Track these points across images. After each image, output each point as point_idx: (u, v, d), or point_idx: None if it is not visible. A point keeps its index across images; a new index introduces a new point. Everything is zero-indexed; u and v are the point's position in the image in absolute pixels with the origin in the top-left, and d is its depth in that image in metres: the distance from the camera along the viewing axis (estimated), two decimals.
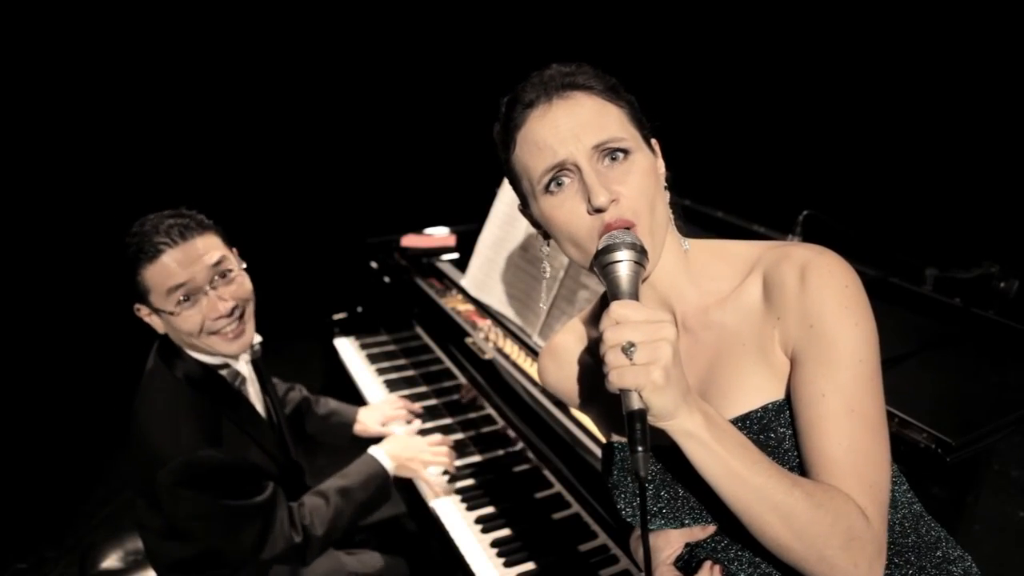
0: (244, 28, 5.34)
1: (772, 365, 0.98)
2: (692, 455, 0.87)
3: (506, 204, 2.25)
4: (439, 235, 2.69)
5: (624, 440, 1.10)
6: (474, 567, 1.65)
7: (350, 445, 2.21)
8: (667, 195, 1.01)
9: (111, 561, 1.93)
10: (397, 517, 2.16)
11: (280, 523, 1.63)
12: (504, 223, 2.23)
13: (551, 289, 1.97)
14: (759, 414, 0.97)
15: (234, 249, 1.69)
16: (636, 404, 0.81)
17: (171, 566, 1.69)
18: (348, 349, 2.57)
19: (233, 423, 1.61)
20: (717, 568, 1.02)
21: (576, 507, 1.64)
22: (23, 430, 3.57)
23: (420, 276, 2.50)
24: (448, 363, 2.17)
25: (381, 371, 2.44)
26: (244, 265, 1.70)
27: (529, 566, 1.65)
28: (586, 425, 1.68)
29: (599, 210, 0.92)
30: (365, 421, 2.17)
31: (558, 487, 1.69)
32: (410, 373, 2.41)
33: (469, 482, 1.93)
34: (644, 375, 0.79)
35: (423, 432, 2.14)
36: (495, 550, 1.69)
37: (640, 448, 0.79)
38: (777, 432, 0.97)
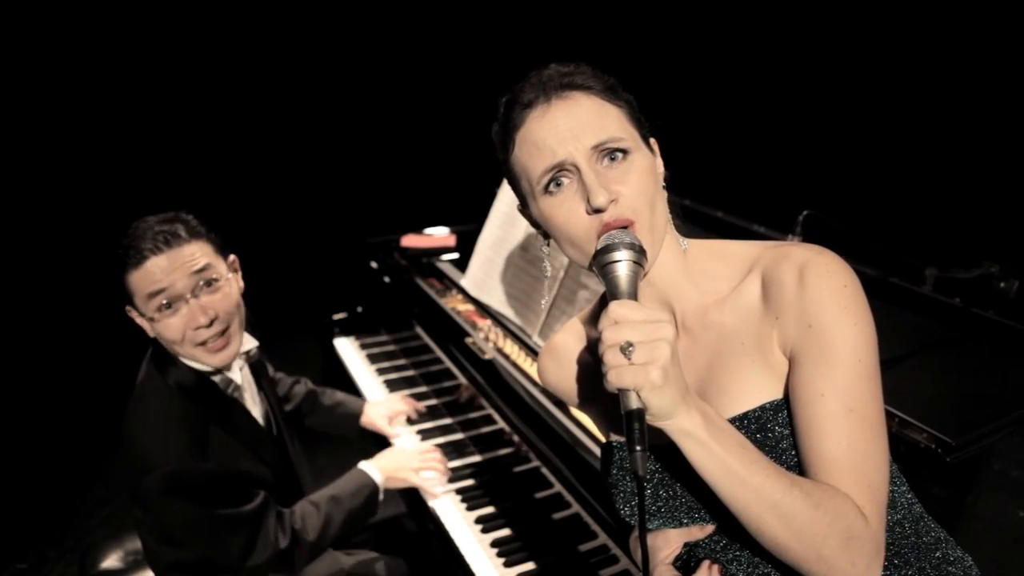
0: (245, 28, 5.35)
1: (771, 365, 0.98)
2: (690, 454, 0.87)
3: (506, 204, 2.25)
4: (439, 235, 2.69)
5: (623, 439, 1.10)
6: (474, 567, 1.65)
7: (357, 437, 2.22)
8: (665, 194, 1.01)
9: (111, 561, 1.94)
10: (397, 517, 2.16)
11: (268, 531, 1.62)
12: (504, 223, 2.23)
13: (551, 289, 1.97)
14: (757, 414, 0.97)
15: (232, 256, 1.68)
16: (634, 403, 0.81)
17: (168, 567, 1.69)
18: (348, 349, 2.57)
19: (225, 432, 1.60)
20: (716, 568, 1.02)
21: (576, 507, 1.64)
22: (23, 430, 3.57)
23: (420, 276, 2.50)
24: (448, 363, 2.17)
25: (381, 371, 2.45)
26: (239, 274, 1.68)
27: (529, 566, 1.65)
28: (586, 425, 1.68)
29: (598, 210, 0.92)
30: (372, 414, 2.17)
31: (558, 487, 1.69)
32: (410, 373, 2.41)
33: (469, 482, 1.93)
34: (642, 375, 0.80)
35: (423, 432, 2.15)
36: (495, 550, 1.69)
37: (638, 447, 0.79)
38: (775, 432, 0.97)
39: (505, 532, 1.75)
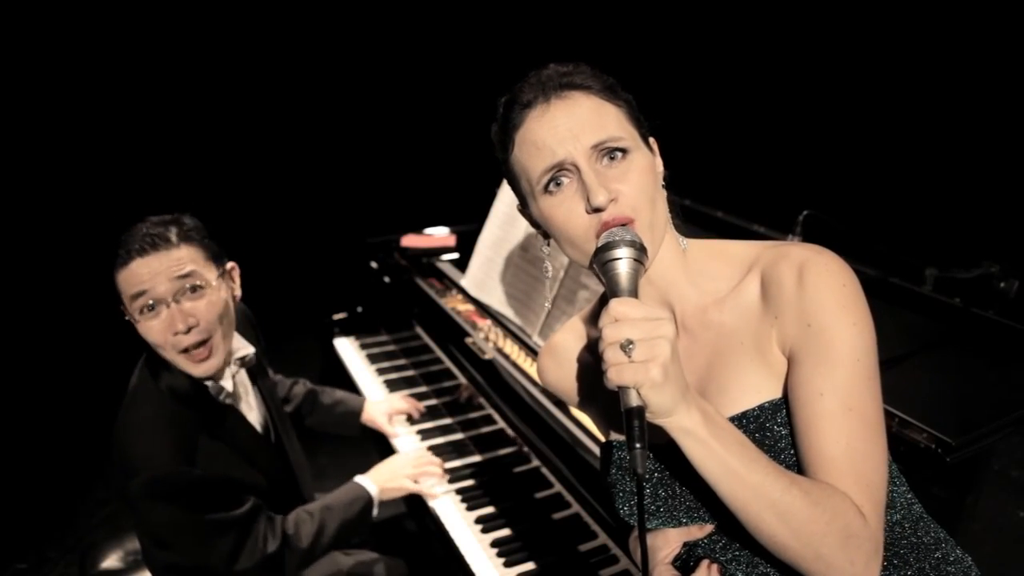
0: (246, 29, 5.35)
1: (770, 364, 0.99)
2: (690, 452, 0.87)
3: (506, 204, 2.25)
4: (439, 235, 2.69)
5: (623, 438, 1.10)
6: (474, 567, 1.65)
7: (357, 434, 2.22)
8: (665, 194, 1.01)
9: (111, 561, 1.94)
10: (397, 517, 2.17)
11: (257, 536, 1.61)
12: (504, 223, 2.23)
13: (551, 289, 1.97)
14: (756, 413, 0.97)
15: (231, 264, 1.66)
16: (634, 401, 0.81)
17: (163, 569, 1.68)
18: (348, 349, 2.57)
19: (217, 438, 1.59)
20: (715, 567, 1.02)
21: (576, 507, 1.64)
22: (23, 430, 3.57)
23: (420, 276, 2.50)
24: (448, 363, 2.17)
25: (381, 371, 2.45)
26: (237, 283, 1.67)
27: (529, 566, 1.65)
28: (586, 425, 1.68)
29: (598, 209, 0.92)
30: (372, 412, 2.18)
31: (558, 487, 1.69)
32: (410, 373, 2.41)
33: (469, 482, 1.93)
34: (643, 372, 0.80)
35: (423, 432, 2.15)
36: (495, 550, 1.69)
37: (638, 445, 0.80)
38: (774, 431, 0.97)
39: (505, 532, 1.75)
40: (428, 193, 4.84)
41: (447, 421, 2.17)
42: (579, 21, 5.27)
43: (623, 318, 0.82)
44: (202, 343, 1.55)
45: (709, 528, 1.03)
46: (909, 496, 1.07)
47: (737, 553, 1.01)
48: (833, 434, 0.91)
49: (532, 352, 1.97)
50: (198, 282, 1.54)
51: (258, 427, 1.76)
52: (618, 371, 0.81)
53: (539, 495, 1.74)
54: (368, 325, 2.64)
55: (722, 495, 0.88)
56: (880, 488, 0.92)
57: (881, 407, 0.95)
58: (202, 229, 1.61)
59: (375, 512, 1.87)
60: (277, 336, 2.11)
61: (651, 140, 1.04)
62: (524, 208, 1.07)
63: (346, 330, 2.62)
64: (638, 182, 0.94)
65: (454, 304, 2.31)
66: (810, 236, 1.89)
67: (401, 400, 2.22)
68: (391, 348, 2.55)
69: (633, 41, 5.07)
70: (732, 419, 0.98)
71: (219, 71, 5.37)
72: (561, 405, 1.75)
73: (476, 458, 2.01)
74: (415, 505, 1.93)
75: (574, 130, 0.94)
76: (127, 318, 1.56)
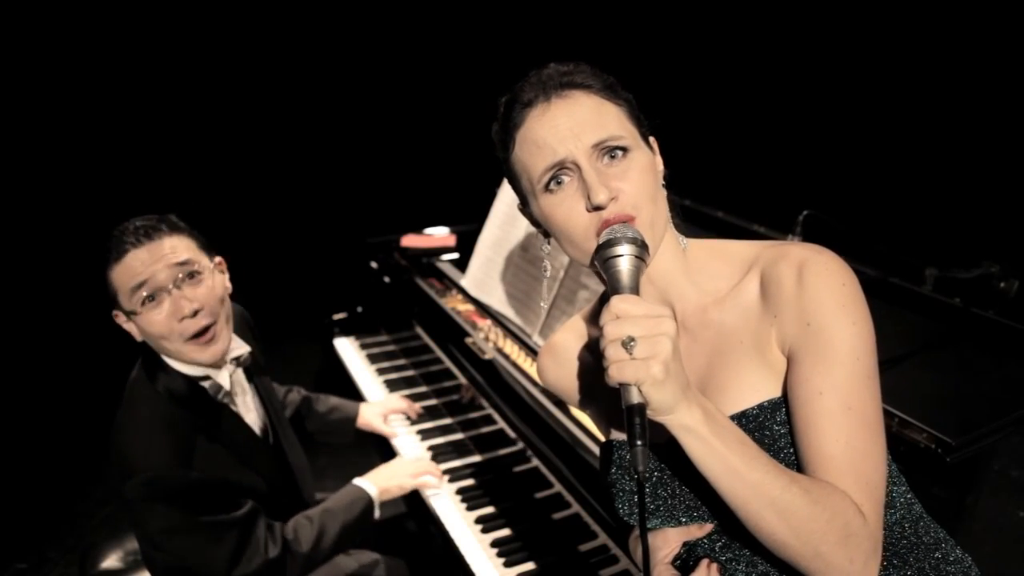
0: (246, 29, 5.35)
1: (769, 363, 0.99)
2: (690, 450, 0.87)
3: (506, 204, 2.25)
4: (439, 235, 2.69)
5: (622, 438, 1.10)
6: (474, 567, 1.65)
7: (354, 441, 2.22)
8: (665, 192, 1.01)
9: (111, 561, 1.94)
10: (397, 517, 2.16)
11: (257, 540, 1.60)
12: (504, 223, 2.24)
13: (551, 289, 1.97)
14: (755, 412, 0.98)
15: (219, 258, 1.66)
16: (635, 398, 0.81)
17: (162, 572, 1.68)
18: (348, 349, 2.57)
19: (214, 440, 1.59)
20: (715, 567, 1.02)
21: (576, 507, 1.64)
22: (23, 430, 3.57)
23: (420, 276, 2.50)
24: (448, 363, 2.17)
25: (381, 371, 2.45)
26: (226, 275, 1.67)
27: (529, 566, 1.65)
28: (586, 425, 1.68)
29: (598, 208, 0.92)
30: (367, 415, 2.17)
31: (558, 487, 1.69)
32: (410, 373, 2.42)
33: (469, 482, 1.93)
34: (644, 369, 0.80)
35: (423, 432, 2.15)
36: (495, 550, 1.69)
37: (639, 442, 0.80)
38: (773, 430, 0.97)
39: (505, 532, 1.75)
40: (428, 193, 4.84)
41: (447, 421, 2.17)
42: (579, 21, 5.28)
43: (624, 315, 0.82)
44: (207, 328, 1.55)
45: (709, 527, 1.03)
46: (909, 496, 1.08)
47: (737, 552, 1.01)
48: (832, 433, 0.91)
49: (532, 352, 1.97)
50: (195, 268, 1.55)
51: (256, 428, 1.75)
52: (619, 368, 0.81)
53: (539, 495, 1.74)
54: (368, 325, 2.64)
55: (722, 493, 0.88)
56: (879, 487, 0.92)
57: (880, 406, 0.95)
58: (188, 224, 1.62)
59: (376, 514, 1.87)
60: (277, 336, 2.12)
61: (651, 139, 1.04)
62: (525, 207, 1.07)
63: (346, 330, 2.62)
64: (639, 180, 0.95)
65: (454, 304, 2.31)
66: (810, 236, 1.89)
67: (396, 401, 2.22)
68: (391, 348, 2.56)
69: (633, 41, 5.07)
70: (732, 418, 0.98)
71: (219, 71, 5.37)
72: (561, 405, 1.75)
73: (476, 458, 2.01)
74: (415, 505, 1.93)
75: (575, 129, 0.94)
76: (127, 322, 1.56)
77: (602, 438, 1.19)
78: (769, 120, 4.49)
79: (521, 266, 2.14)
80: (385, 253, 2.67)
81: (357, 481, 1.89)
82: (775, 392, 0.98)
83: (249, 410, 1.76)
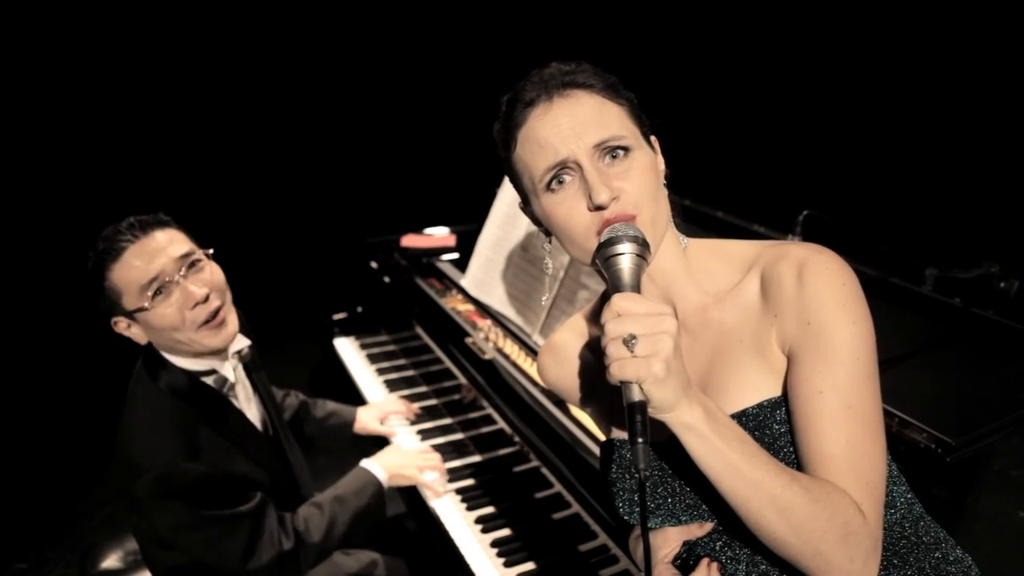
0: (246, 28, 5.35)
1: (769, 363, 0.99)
2: (691, 448, 0.87)
3: (506, 204, 2.25)
4: (439, 235, 2.69)
5: (623, 437, 1.10)
6: (474, 567, 1.65)
7: (351, 446, 2.21)
8: (666, 192, 1.02)
9: (111, 561, 1.93)
10: (397, 517, 2.16)
11: (271, 532, 1.60)
12: (504, 223, 2.24)
13: (551, 288, 1.97)
14: (755, 411, 0.98)
15: (209, 251, 1.67)
16: (637, 396, 0.81)
17: (166, 572, 1.68)
18: (348, 349, 2.57)
19: (218, 433, 1.59)
20: (715, 566, 1.02)
21: (576, 507, 1.64)
22: (23, 430, 3.57)
23: (420, 276, 2.50)
24: (448, 363, 2.17)
25: (381, 371, 2.45)
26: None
27: (529, 566, 1.64)
28: (586, 425, 1.68)
29: (600, 207, 0.92)
30: (364, 419, 2.17)
31: (558, 487, 1.69)
32: (410, 373, 2.42)
33: (469, 482, 1.93)
34: (645, 367, 0.80)
35: (423, 432, 2.15)
36: (495, 550, 1.69)
37: (640, 440, 0.80)
38: (773, 429, 0.97)
39: (505, 532, 1.75)
40: (428, 193, 4.84)
41: (447, 421, 2.17)
42: (580, 21, 5.28)
43: (626, 313, 0.82)
44: (217, 311, 1.57)
45: (709, 526, 1.04)
46: (909, 496, 1.08)
47: (737, 552, 1.01)
48: (832, 432, 0.91)
49: (532, 352, 1.97)
50: (196, 258, 1.57)
51: (257, 423, 1.75)
52: (620, 366, 0.81)
53: (539, 495, 1.74)
54: (368, 325, 2.64)
55: (722, 491, 0.89)
56: (879, 486, 0.92)
57: (880, 406, 0.95)
58: (173, 219, 1.63)
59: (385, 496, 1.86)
60: (277, 336, 2.11)
61: (652, 138, 1.04)
62: (526, 206, 1.07)
63: (346, 330, 2.62)
64: (640, 180, 0.95)
65: (454, 304, 2.31)
66: (810, 236, 1.89)
67: (393, 403, 2.21)
68: (391, 348, 2.56)
69: (634, 41, 5.07)
70: (732, 417, 0.98)
71: (219, 71, 5.37)
72: (561, 405, 1.75)
73: (476, 458, 2.01)
74: (415, 505, 1.93)
75: (576, 128, 0.95)
76: (128, 328, 1.56)
77: (602, 437, 1.19)
78: (769, 120, 4.49)
79: (521, 266, 2.14)
80: (385, 253, 2.67)
81: (365, 464, 1.88)
82: (775, 391, 0.98)
83: (250, 405, 1.76)
